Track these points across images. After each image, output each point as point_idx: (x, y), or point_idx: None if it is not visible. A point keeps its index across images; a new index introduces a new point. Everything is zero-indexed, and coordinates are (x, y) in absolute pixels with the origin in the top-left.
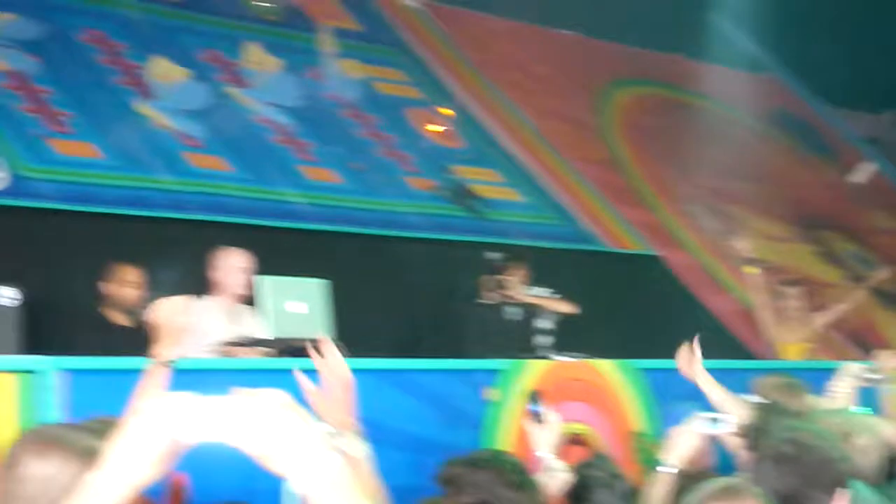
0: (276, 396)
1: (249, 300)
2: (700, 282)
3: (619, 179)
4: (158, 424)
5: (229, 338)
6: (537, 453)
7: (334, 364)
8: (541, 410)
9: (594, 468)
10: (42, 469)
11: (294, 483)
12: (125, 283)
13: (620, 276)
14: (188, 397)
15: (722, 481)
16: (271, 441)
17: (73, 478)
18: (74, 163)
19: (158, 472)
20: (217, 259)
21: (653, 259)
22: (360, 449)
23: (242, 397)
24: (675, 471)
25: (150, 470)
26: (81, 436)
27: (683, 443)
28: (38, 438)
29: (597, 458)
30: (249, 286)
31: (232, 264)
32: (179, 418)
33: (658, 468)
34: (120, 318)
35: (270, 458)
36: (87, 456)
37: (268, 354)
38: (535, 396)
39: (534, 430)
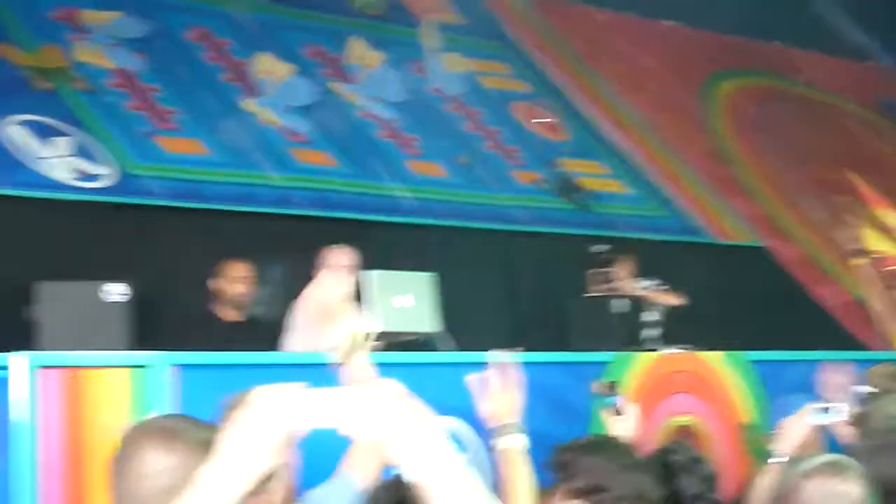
0: (389, 387)
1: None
2: (808, 273)
3: (726, 170)
4: (273, 414)
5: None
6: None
7: (506, 364)
8: (618, 401)
9: (675, 453)
10: (161, 460)
11: (406, 470)
12: (234, 279)
13: (728, 268)
14: (302, 388)
15: (827, 457)
16: (384, 430)
17: (190, 468)
18: (182, 160)
19: (274, 462)
20: (324, 256)
21: (760, 250)
22: (520, 444)
23: (356, 387)
24: (787, 461)
25: (266, 460)
26: (194, 426)
27: (794, 433)
28: (155, 429)
29: (676, 443)
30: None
31: (339, 263)
32: (294, 408)
33: (769, 459)
34: (229, 314)
35: (384, 446)
36: (204, 447)
37: (374, 349)
38: (612, 387)
39: (611, 421)
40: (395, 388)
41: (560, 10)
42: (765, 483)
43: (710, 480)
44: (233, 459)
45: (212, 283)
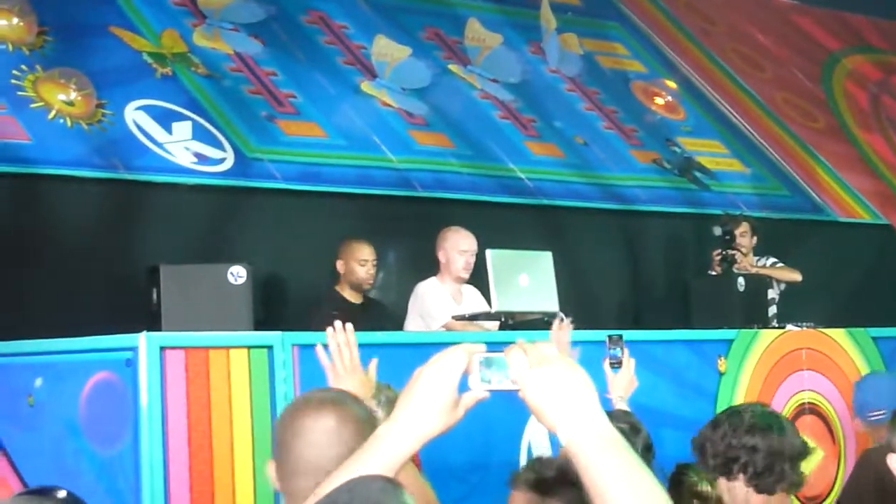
0: (551, 349)
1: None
2: None
3: (847, 148)
4: (446, 375)
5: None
6: (608, 396)
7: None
8: (620, 354)
9: (615, 419)
10: (322, 427)
11: (563, 436)
12: (356, 260)
13: (850, 246)
14: (478, 349)
15: None
16: (551, 393)
17: (350, 437)
18: (300, 143)
19: (448, 423)
20: (442, 240)
21: (883, 228)
22: None
23: (527, 350)
24: None
25: (439, 420)
26: (353, 399)
27: None
28: (316, 401)
29: (620, 410)
30: (471, 269)
31: (457, 247)
32: (467, 369)
33: None
34: (350, 295)
35: (547, 411)
36: (361, 417)
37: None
38: (614, 340)
39: (610, 373)
40: (554, 349)
41: None
42: None
43: (650, 449)
44: (406, 420)
45: (333, 265)
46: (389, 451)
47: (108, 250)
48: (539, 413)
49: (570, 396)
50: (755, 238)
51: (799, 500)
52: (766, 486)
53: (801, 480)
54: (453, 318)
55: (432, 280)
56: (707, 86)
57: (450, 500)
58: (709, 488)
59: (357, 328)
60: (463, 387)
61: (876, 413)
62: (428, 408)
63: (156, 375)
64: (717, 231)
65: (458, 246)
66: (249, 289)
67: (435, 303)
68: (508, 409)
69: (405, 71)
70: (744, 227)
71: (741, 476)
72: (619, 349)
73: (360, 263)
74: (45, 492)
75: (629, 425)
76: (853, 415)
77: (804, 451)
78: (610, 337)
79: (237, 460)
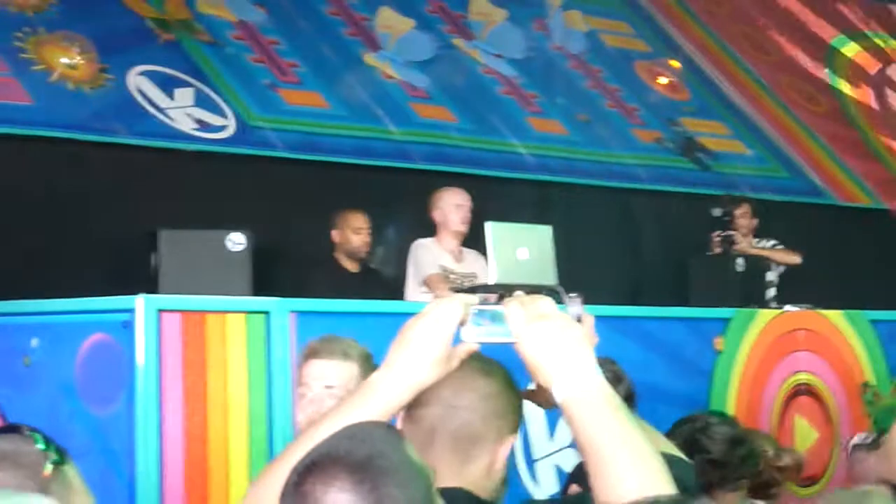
0: (548, 304)
1: (473, 238)
2: None
3: (849, 132)
4: (442, 326)
5: (449, 280)
6: None
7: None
8: (578, 311)
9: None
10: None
11: (558, 393)
12: (353, 229)
13: (849, 230)
14: (471, 301)
15: None
16: (547, 348)
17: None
18: (301, 112)
19: (440, 374)
20: (436, 199)
21: (882, 212)
22: None
23: (524, 303)
24: None
25: (431, 370)
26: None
27: None
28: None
29: (602, 358)
30: (468, 223)
31: (451, 202)
32: (462, 320)
33: None
34: (347, 264)
35: (543, 366)
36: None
37: (486, 300)
38: (573, 299)
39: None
40: (551, 305)
41: None
42: None
43: (631, 400)
44: (399, 368)
45: (331, 234)
46: (382, 399)
47: (107, 214)
48: (535, 368)
49: (566, 352)
50: (755, 220)
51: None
52: None
53: None
54: (453, 289)
55: (428, 238)
56: (711, 66)
57: None
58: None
59: (354, 297)
60: (456, 339)
61: None
62: (422, 357)
63: (152, 338)
64: (717, 212)
65: (453, 200)
66: (248, 256)
67: (424, 257)
68: None
69: (408, 43)
70: (744, 208)
71: None
72: (575, 307)
73: (355, 232)
74: (14, 429)
75: (612, 374)
76: None
77: None
78: (569, 296)
79: (231, 423)
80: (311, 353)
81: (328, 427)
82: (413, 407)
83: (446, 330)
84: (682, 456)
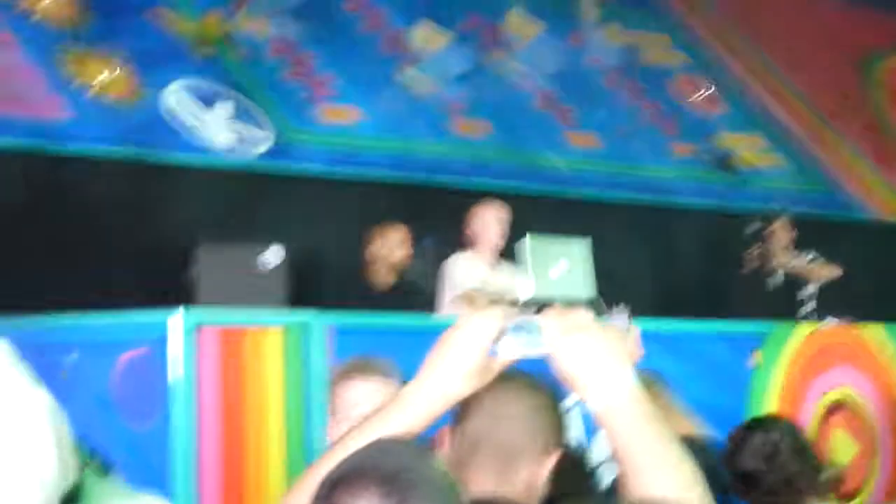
0: (585, 316)
1: (507, 252)
2: None
3: (887, 146)
4: (477, 338)
5: (486, 294)
6: None
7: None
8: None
9: None
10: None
11: (594, 403)
12: (391, 243)
13: (887, 243)
14: (507, 314)
15: None
16: (584, 360)
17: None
18: (339, 127)
19: (475, 386)
20: (475, 212)
21: None
22: None
23: (560, 315)
24: None
25: (465, 383)
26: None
27: None
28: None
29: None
30: (506, 237)
31: (489, 216)
32: (497, 334)
33: None
34: (385, 277)
35: (580, 378)
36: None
37: (524, 313)
38: (620, 310)
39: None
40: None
41: None
42: None
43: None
44: (431, 380)
45: (368, 247)
46: (415, 410)
47: (146, 229)
48: (571, 380)
49: (603, 364)
50: (793, 233)
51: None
52: None
53: None
54: (492, 301)
55: (465, 253)
56: (748, 80)
57: None
58: None
59: (390, 310)
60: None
61: None
62: (457, 370)
63: (190, 352)
64: (755, 226)
65: (494, 214)
66: (285, 271)
67: (462, 272)
68: None
69: (445, 58)
70: (782, 222)
71: None
72: (621, 319)
73: (392, 245)
74: None
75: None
76: None
77: None
78: (616, 307)
79: (269, 438)
80: (347, 373)
81: (359, 440)
82: (459, 420)
83: (481, 342)
84: (703, 437)
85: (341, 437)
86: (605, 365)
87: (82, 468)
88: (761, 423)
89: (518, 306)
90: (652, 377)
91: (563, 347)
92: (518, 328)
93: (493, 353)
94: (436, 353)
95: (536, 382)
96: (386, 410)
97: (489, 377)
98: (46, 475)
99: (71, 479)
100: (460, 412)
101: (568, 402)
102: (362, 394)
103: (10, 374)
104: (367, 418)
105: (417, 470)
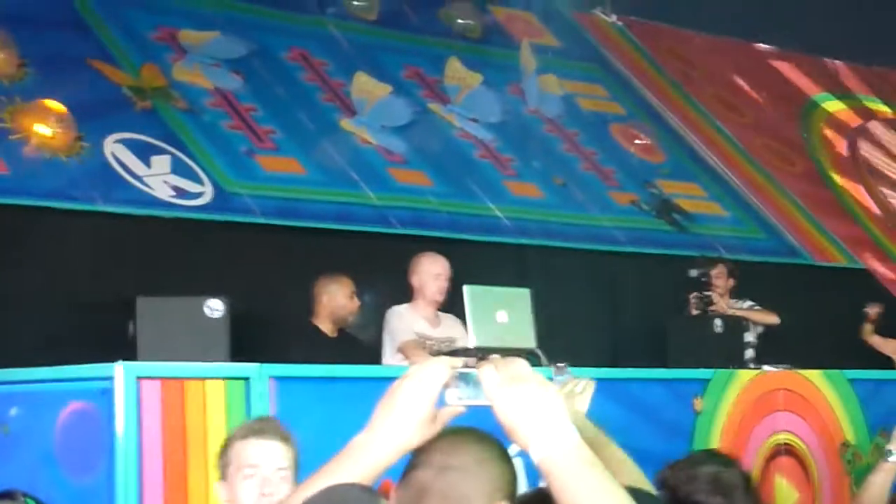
0: (523, 366)
1: (452, 300)
2: None
3: (825, 192)
4: (426, 388)
5: (425, 346)
6: None
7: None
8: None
9: None
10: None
11: (535, 453)
12: (334, 294)
13: (826, 289)
14: (455, 363)
15: None
16: (523, 410)
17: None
18: (279, 179)
19: (425, 436)
20: (416, 264)
21: (859, 272)
22: None
23: (498, 366)
24: None
25: (416, 432)
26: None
27: None
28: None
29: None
30: (445, 291)
31: (430, 271)
32: (447, 383)
33: (887, 458)
34: (326, 328)
35: (519, 428)
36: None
37: (466, 364)
38: (560, 368)
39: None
40: (525, 366)
41: (656, 32)
42: (878, 480)
43: None
44: (382, 430)
45: (311, 298)
46: (367, 460)
47: (85, 282)
48: (510, 430)
49: (540, 414)
50: (732, 280)
51: None
52: None
53: None
54: (433, 352)
55: (404, 305)
56: (686, 129)
57: None
58: None
59: (332, 362)
60: (441, 401)
61: None
62: (407, 420)
63: (132, 405)
64: (694, 273)
65: (431, 270)
66: (226, 322)
67: (399, 324)
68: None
69: (385, 109)
70: (720, 269)
71: None
72: (565, 376)
73: (335, 296)
74: (9, 495)
75: None
76: None
77: None
78: (556, 366)
79: (211, 489)
80: (250, 433)
81: (311, 486)
82: (406, 470)
83: (431, 392)
84: (652, 490)
85: (297, 489)
86: (543, 415)
87: None
88: (711, 457)
89: (460, 356)
90: (596, 426)
91: (501, 398)
92: (463, 378)
93: (440, 404)
94: (386, 402)
95: (485, 434)
96: (336, 461)
97: (438, 427)
98: None
99: None
100: (407, 464)
101: (511, 452)
102: (260, 453)
103: None
104: (317, 471)
105: None
